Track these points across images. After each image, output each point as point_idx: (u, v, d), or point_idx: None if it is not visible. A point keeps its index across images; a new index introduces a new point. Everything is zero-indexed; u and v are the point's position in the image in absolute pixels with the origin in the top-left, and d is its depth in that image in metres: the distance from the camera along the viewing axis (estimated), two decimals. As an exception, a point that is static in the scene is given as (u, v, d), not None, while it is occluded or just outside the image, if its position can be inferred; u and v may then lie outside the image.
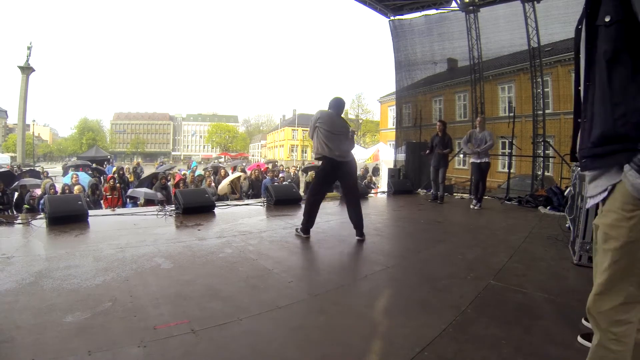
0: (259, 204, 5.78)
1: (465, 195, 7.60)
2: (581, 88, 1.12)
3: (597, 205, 1.12)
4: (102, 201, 7.83)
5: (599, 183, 1.05)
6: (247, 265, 2.70)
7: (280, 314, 1.93)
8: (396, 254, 3.38)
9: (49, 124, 73.32)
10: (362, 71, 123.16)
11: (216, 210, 4.98)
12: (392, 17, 9.66)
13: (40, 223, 3.88)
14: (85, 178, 9.71)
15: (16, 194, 7.50)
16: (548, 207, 5.76)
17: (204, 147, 71.71)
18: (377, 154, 17.69)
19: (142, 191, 7.59)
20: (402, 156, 9.42)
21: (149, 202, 7.09)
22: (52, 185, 7.54)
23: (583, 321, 1.81)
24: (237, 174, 9.63)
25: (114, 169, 11.25)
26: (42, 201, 5.97)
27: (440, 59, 9.68)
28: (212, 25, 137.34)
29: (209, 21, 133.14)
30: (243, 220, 4.44)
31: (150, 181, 8.48)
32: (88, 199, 6.56)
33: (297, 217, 4.46)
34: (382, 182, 11.99)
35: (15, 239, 3.31)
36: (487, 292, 2.28)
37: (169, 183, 8.39)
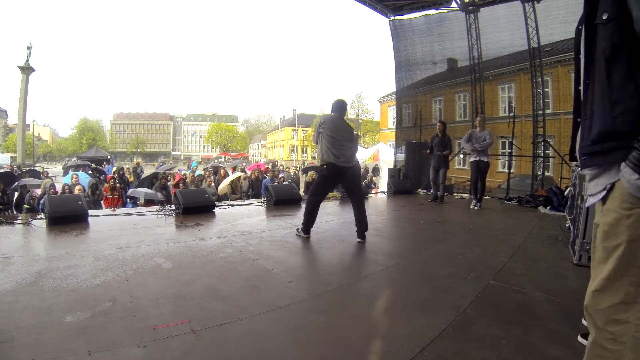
0: (259, 204, 5.78)
1: (465, 196, 7.60)
2: (581, 87, 1.13)
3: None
4: (102, 201, 7.83)
5: (598, 182, 1.05)
6: (247, 265, 2.70)
7: (280, 314, 1.93)
8: (396, 254, 3.39)
9: (49, 124, 73.52)
10: (362, 71, 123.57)
11: (216, 210, 4.98)
12: (392, 17, 9.66)
13: (40, 223, 3.88)
14: (85, 178, 9.72)
15: (16, 194, 7.49)
16: (548, 207, 5.76)
17: (204, 147, 71.71)
18: (377, 154, 17.71)
19: (142, 191, 7.59)
20: (402, 156, 9.42)
21: (149, 202, 7.09)
22: (52, 185, 7.54)
23: (583, 321, 1.81)
24: (237, 174, 9.63)
25: (114, 169, 11.25)
26: (42, 201, 5.97)
27: (440, 59, 9.68)
28: (212, 25, 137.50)
29: (209, 21, 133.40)
30: (243, 220, 4.45)
31: (150, 181, 8.48)
32: (88, 199, 6.55)
33: (297, 217, 4.47)
34: (382, 182, 11.99)
35: (15, 239, 3.31)
36: (487, 292, 2.28)
37: (169, 183, 8.39)
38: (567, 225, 4.12)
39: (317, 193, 3.69)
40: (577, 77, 1.18)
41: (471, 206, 5.95)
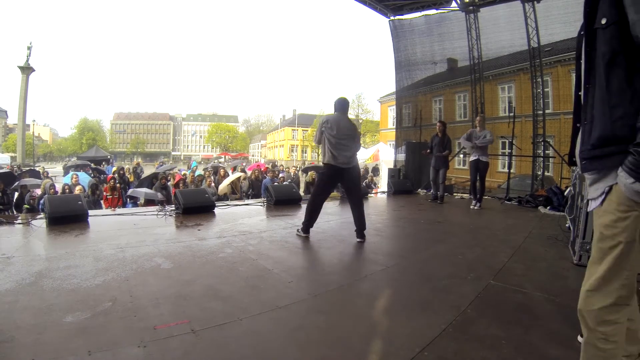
0: (259, 204, 5.78)
1: (465, 196, 7.60)
2: (581, 93, 1.13)
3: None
4: (102, 201, 7.83)
5: (598, 186, 1.06)
6: (247, 265, 2.70)
7: (280, 314, 1.93)
8: (396, 254, 3.39)
9: (49, 124, 73.57)
10: (362, 71, 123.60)
11: (216, 210, 4.98)
12: (392, 17, 9.66)
13: (40, 223, 3.88)
14: (85, 178, 9.72)
15: (16, 194, 7.49)
16: (548, 207, 5.76)
17: (204, 147, 71.70)
18: (377, 154, 17.70)
19: (142, 191, 7.60)
20: (402, 156, 9.42)
21: (149, 202, 7.09)
22: (52, 185, 7.54)
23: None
24: (237, 174, 9.63)
25: (114, 169, 11.25)
26: (42, 201, 5.97)
27: (440, 59, 9.68)
28: (212, 25, 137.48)
29: (209, 21, 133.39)
30: (243, 220, 4.45)
31: (151, 181, 8.48)
32: (88, 199, 6.56)
33: (297, 217, 4.47)
34: (382, 182, 11.99)
35: (15, 239, 3.31)
36: (487, 292, 2.28)
37: (169, 183, 8.39)
38: (567, 225, 4.12)
39: (319, 194, 3.72)
40: (577, 82, 1.19)
41: (471, 206, 5.95)
